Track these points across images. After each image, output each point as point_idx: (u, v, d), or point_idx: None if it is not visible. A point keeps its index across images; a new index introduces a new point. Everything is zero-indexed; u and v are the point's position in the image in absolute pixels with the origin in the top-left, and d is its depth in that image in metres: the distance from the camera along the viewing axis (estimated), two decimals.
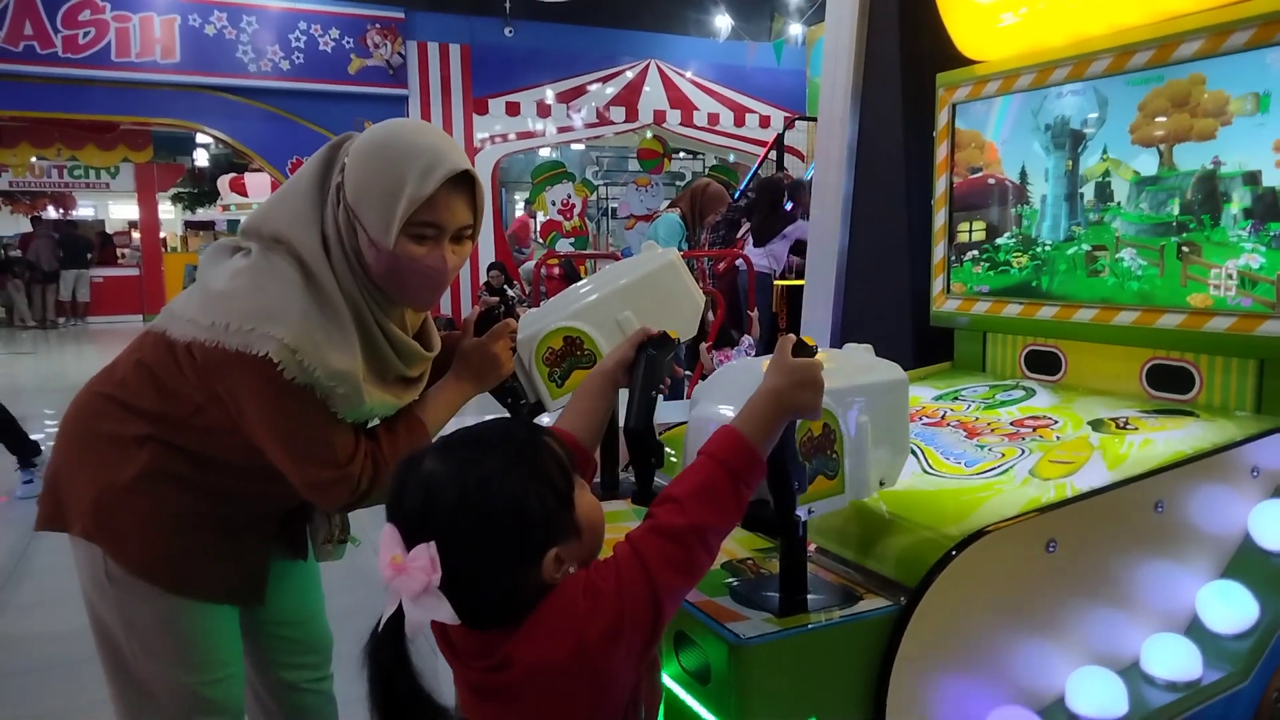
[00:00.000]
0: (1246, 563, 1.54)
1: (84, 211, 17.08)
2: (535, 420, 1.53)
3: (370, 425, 1.40)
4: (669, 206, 5.43)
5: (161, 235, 15.11)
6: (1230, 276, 1.74)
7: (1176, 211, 1.82)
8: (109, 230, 16.39)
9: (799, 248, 6.16)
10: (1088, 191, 2.00)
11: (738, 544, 1.50)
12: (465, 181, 1.30)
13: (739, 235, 6.69)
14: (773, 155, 8.79)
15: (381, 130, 1.31)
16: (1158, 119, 1.85)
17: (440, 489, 0.89)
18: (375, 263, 1.30)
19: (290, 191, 1.35)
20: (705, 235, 6.52)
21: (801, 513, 1.16)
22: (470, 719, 0.96)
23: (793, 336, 1.08)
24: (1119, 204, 1.93)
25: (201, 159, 14.81)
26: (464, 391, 1.47)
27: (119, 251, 15.41)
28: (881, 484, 1.28)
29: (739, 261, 6.15)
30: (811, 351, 1.07)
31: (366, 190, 1.27)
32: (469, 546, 0.87)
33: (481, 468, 0.90)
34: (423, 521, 0.88)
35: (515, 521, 0.89)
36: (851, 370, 1.27)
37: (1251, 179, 1.70)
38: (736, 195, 8.34)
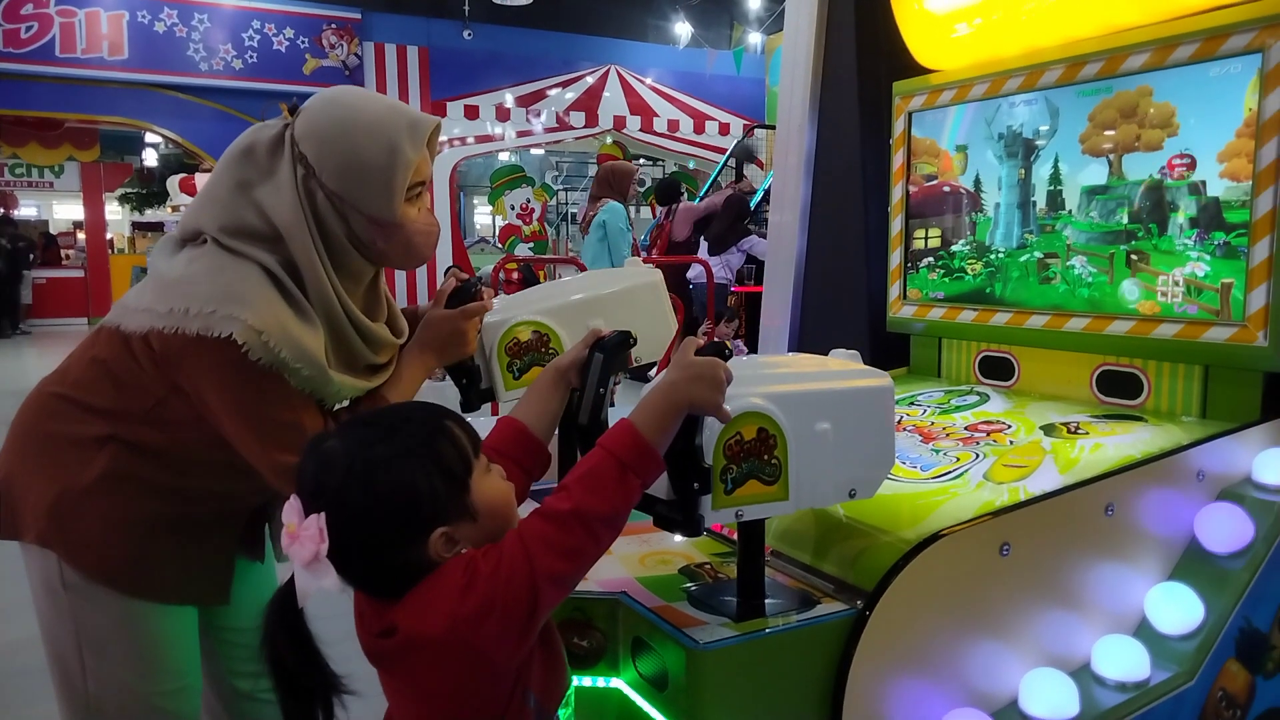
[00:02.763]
0: (1192, 565, 1.57)
1: (26, 211, 16.59)
2: (478, 404, 1.52)
3: (337, 408, 1.37)
4: (597, 200, 5.24)
5: (108, 236, 14.73)
6: (1177, 284, 1.78)
7: (1125, 220, 1.86)
8: (53, 231, 15.94)
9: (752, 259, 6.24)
10: (1040, 200, 2.03)
11: (695, 549, 1.50)
12: None
13: (664, 219, 6.67)
14: (731, 162, 8.87)
15: (336, 109, 1.29)
16: (1107, 130, 1.88)
17: (333, 465, 0.95)
18: (380, 238, 1.31)
19: (209, 198, 1.31)
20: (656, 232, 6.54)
21: (728, 514, 1.14)
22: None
23: (698, 339, 1.10)
24: (1070, 212, 1.97)
25: (150, 159, 14.48)
26: (425, 364, 1.45)
27: (63, 253, 14.99)
28: (852, 494, 1.24)
29: (697, 269, 6.19)
30: (721, 351, 1.07)
31: (355, 172, 1.26)
32: (355, 520, 0.93)
33: (374, 448, 0.96)
34: (316, 494, 0.94)
35: (400, 500, 0.94)
36: (814, 376, 1.25)
37: (1196, 189, 1.74)
38: (697, 200, 8.41)
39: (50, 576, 1.31)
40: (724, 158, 9.30)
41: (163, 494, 1.32)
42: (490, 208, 11.74)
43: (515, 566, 0.93)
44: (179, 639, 1.39)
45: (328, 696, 0.97)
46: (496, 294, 1.58)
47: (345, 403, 1.37)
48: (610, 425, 1.24)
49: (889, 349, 2.41)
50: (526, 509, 1.07)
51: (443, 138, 11.37)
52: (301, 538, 0.91)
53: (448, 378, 1.55)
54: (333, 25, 10.35)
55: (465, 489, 0.99)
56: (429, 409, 1.04)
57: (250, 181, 1.28)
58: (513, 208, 10.77)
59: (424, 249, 1.37)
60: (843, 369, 1.29)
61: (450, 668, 0.95)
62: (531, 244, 10.84)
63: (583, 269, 5.17)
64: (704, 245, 6.59)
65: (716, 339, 1.14)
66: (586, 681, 1.30)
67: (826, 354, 1.35)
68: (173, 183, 13.03)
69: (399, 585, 0.96)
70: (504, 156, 12.75)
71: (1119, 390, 1.92)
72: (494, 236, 12.06)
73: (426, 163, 1.33)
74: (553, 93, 11.50)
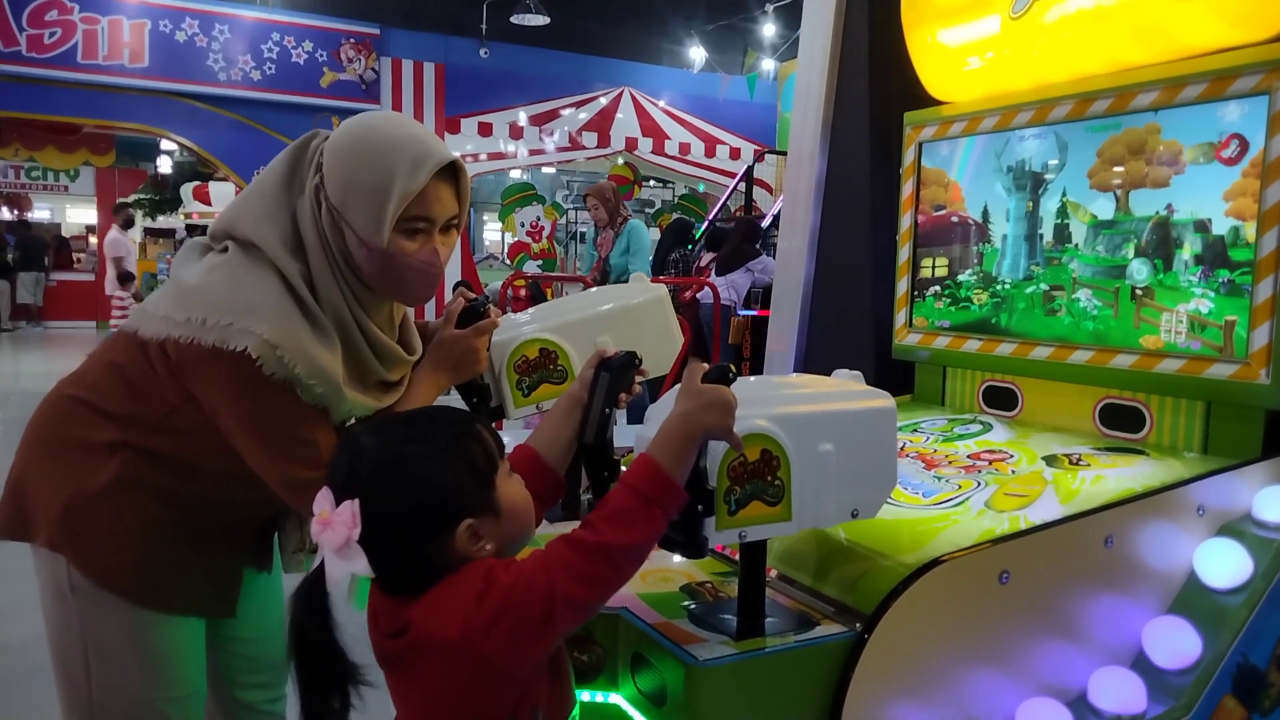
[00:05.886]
0: (1191, 599, 1.58)
1: (40, 214, 16.70)
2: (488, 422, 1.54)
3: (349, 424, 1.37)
4: (650, 214, 5.56)
5: None
6: (1181, 320, 1.79)
7: (1131, 255, 1.88)
8: (65, 234, 16.05)
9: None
10: (1047, 233, 2.05)
11: (697, 567, 1.50)
12: (450, 170, 1.29)
13: (704, 265, 6.79)
14: (741, 186, 8.92)
15: (357, 126, 1.28)
16: (1115, 166, 1.91)
17: (366, 456, 1.00)
18: (367, 263, 1.27)
19: (256, 193, 1.32)
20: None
21: (731, 535, 1.15)
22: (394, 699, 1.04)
23: (704, 364, 1.11)
24: (1076, 246, 1.99)
25: (165, 166, 14.59)
26: (439, 384, 1.44)
27: (75, 256, 15.08)
28: (854, 514, 1.25)
29: (704, 291, 6.21)
30: (725, 375, 1.09)
31: (353, 190, 1.24)
32: (387, 508, 0.97)
33: (406, 441, 1.01)
34: (348, 483, 0.98)
35: (430, 488, 0.99)
36: (817, 397, 1.27)
37: (1202, 227, 1.76)
38: (704, 224, 8.45)
39: (59, 580, 1.31)
40: (734, 183, 9.35)
41: (172, 502, 1.32)
42: (500, 224, 11.80)
43: (534, 583, 0.96)
44: (185, 648, 1.39)
45: (345, 686, 0.99)
46: (504, 311, 1.59)
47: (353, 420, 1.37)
48: (614, 442, 1.26)
49: (894, 376, 2.42)
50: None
51: (456, 153, 11.59)
52: (334, 523, 0.94)
53: (453, 394, 1.56)
54: (351, 40, 10.48)
55: (491, 485, 1.03)
56: (457, 412, 1.09)
57: (292, 186, 1.30)
58: (523, 225, 10.83)
59: (417, 286, 1.31)
60: (845, 390, 1.31)
61: (457, 673, 0.97)
62: (540, 261, 10.89)
63: (589, 286, 5.22)
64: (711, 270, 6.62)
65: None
66: (585, 696, 1.31)
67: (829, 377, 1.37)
68: (186, 190, 13.12)
69: (420, 581, 0.99)
70: (515, 174, 12.83)
71: (1121, 423, 1.93)
72: (503, 253, 12.11)
73: (439, 202, 1.28)
74: (566, 113, 11.60)
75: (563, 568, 0.96)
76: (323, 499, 0.97)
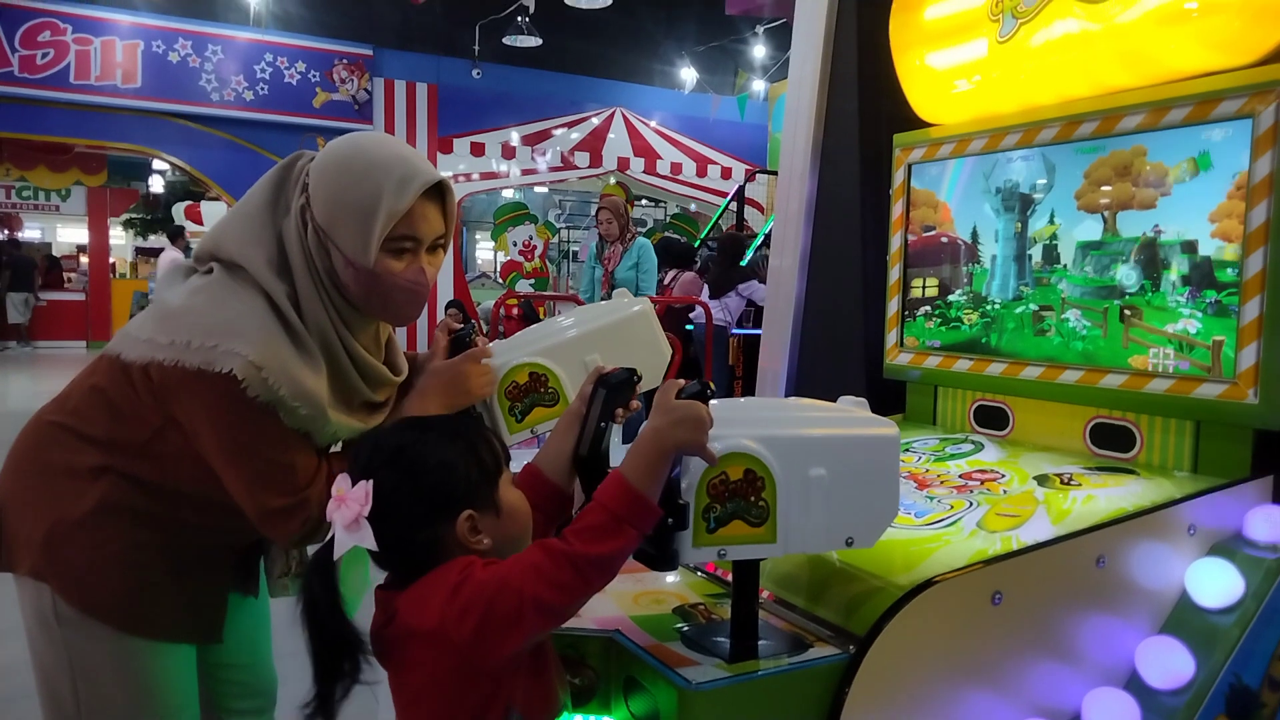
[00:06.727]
0: (1183, 619, 1.58)
1: (30, 234, 16.66)
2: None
3: (332, 450, 1.36)
4: (641, 233, 5.54)
5: (111, 261, 14.79)
6: (1169, 340, 1.81)
7: (1119, 276, 1.89)
8: (56, 254, 16.00)
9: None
10: (1035, 253, 2.07)
11: (689, 589, 1.50)
12: (436, 190, 1.29)
13: (668, 283, 6.79)
14: (733, 206, 8.96)
15: (345, 146, 1.28)
16: (1102, 187, 1.92)
17: (385, 445, 1.10)
18: (353, 282, 1.28)
19: (240, 214, 1.31)
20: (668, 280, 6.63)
21: (710, 553, 1.15)
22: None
23: (679, 381, 1.13)
24: (1065, 266, 2.00)
25: (157, 185, 14.59)
26: (428, 411, 1.42)
27: (65, 275, 15.03)
28: (849, 542, 1.22)
29: (697, 310, 6.22)
30: (702, 392, 1.10)
31: (339, 209, 1.24)
32: (398, 489, 1.05)
33: (423, 433, 1.11)
34: (366, 467, 1.06)
35: (439, 473, 1.07)
36: (813, 421, 1.26)
37: (1189, 248, 1.77)
38: (696, 244, 8.48)
39: (43, 609, 1.29)
40: (725, 202, 9.40)
41: (156, 527, 1.30)
42: (493, 243, 11.83)
43: (508, 581, 1.01)
44: (175, 675, 1.36)
45: (352, 651, 1.04)
46: (497, 330, 1.60)
47: (339, 445, 1.35)
48: (610, 459, 1.26)
49: (885, 396, 2.43)
50: None
51: (448, 172, 11.53)
52: (349, 500, 1.02)
53: None
54: (344, 60, 10.52)
55: (494, 485, 1.11)
56: (467, 417, 1.18)
57: (278, 206, 1.30)
58: (515, 244, 10.86)
59: (405, 305, 1.31)
60: (846, 416, 1.29)
61: (433, 662, 1.02)
62: (533, 280, 10.91)
63: (582, 304, 5.25)
64: (704, 289, 6.64)
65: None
66: None
67: (824, 399, 1.36)
68: (178, 210, 13.12)
69: (415, 566, 1.06)
70: (508, 193, 12.87)
71: (1112, 443, 1.94)
72: (496, 272, 12.14)
73: (426, 222, 1.28)
74: (558, 132, 11.65)
75: (533, 569, 1.01)
76: (341, 481, 1.05)
